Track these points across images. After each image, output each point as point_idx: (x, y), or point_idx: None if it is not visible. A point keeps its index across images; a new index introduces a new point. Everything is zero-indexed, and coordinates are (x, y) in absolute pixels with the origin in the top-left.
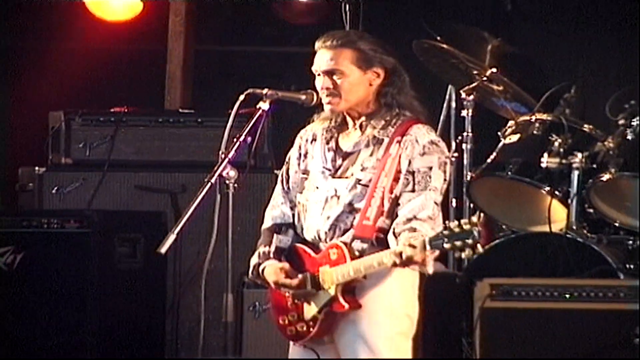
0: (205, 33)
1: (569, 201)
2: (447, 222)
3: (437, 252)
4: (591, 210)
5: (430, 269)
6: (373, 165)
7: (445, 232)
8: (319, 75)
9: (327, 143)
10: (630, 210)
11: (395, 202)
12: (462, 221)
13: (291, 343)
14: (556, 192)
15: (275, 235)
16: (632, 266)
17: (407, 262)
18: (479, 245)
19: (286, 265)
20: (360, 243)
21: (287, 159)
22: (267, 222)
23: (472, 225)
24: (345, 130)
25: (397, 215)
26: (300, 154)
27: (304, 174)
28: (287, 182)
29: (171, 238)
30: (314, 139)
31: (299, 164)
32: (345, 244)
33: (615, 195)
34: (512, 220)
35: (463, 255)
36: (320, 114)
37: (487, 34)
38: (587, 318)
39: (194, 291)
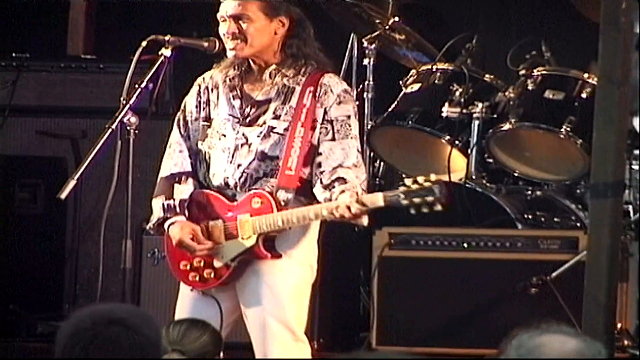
0: None
1: (469, 151)
2: (404, 179)
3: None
4: (491, 160)
5: (365, 221)
6: (287, 114)
7: (402, 189)
8: (224, 21)
9: (231, 91)
10: (529, 160)
11: (313, 152)
12: (420, 178)
13: (184, 288)
14: (456, 142)
15: (175, 185)
16: (530, 216)
17: (348, 217)
18: (439, 203)
19: (197, 228)
20: (285, 193)
21: (182, 106)
22: (165, 171)
23: (433, 182)
24: (250, 79)
25: (319, 164)
26: (199, 102)
27: (205, 121)
28: (185, 129)
29: (71, 184)
30: (214, 87)
31: (199, 112)
32: (270, 193)
33: (515, 145)
34: (412, 170)
35: (423, 210)
36: (221, 62)
37: None
38: (485, 267)
39: (94, 237)
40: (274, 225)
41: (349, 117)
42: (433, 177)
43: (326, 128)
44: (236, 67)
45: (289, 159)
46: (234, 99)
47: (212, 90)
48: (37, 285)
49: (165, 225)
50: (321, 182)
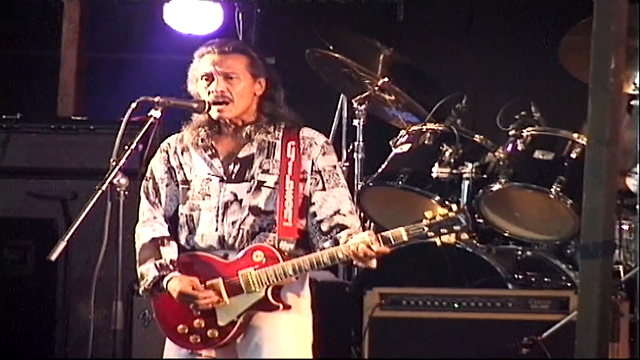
0: (99, 40)
1: None
2: (425, 212)
3: None
4: (481, 221)
5: (374, 263)
6: (274, 167)
7: (425, 222)
8: (207, 79)
9: (206, 150)
10: (519, 220)
11: (306, 203)
12: (441, 210)
13: (174, 349)
14: (446, 202)
15: (160, 247)
16: (520, 276)
17: (363, 258)
18: (465, 233)
19: (195, 280)
20: (286, 244)
21: (149, 174)
22: (145, 237)
23: (457, 212)
24: (223, 138)
25: (314, 214)
26: (169, 167)
27: (183, 184)
28: (156, 196)
29: (61, 245)
30: (184, 150)
31: (171, 177)
32: (272, 245)
33: (505, 205)
34: None
35: (449, 239)
36: (190, 123)
37: (379, 43)
38: (476, 328)
39: (84, 299)
40: (285, 275)
41: (334, 167)
42: (455, 207)
43: (315, 179)
44: (207, 127)
45: (284, 211)
46: (211, 157)
47: (181, 153)
48: (27, 346)
49: (164, 283)
50: (320, 230)
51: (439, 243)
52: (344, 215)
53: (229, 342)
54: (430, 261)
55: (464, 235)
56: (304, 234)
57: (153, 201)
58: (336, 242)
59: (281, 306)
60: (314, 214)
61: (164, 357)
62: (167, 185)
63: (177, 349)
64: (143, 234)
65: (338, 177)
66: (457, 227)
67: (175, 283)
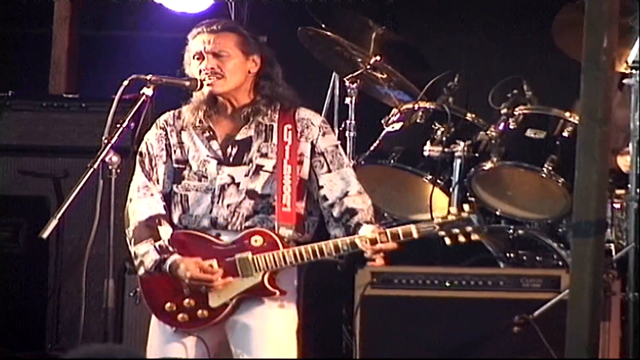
0: (90, 18)
1: (451, 189)
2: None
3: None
4: (473, 199)
5: (380, 260)
6: (272, 151)
7: (437, 221)
8: (198, 58)
9: (204, 132)
10: (511, 199)
11: (304, 186)
12: (454, 210)
13: (159, 327)
14: (438, 181)
15: (158, 227)
16: (512, 255)
17: (372, 250)
18: (476, 233)
19: (199, 259)
20: (285, 230)
21: (145, 149)
22: (142, 215)
23: (470, 212)
24: (221, 120)
25: (325, 198)
26: (167, 144)
27: (180, 164)
28: (153, 172)
29: (53, 223)
30: (183, 128)
31: (168, 154)
32: (272, 230)
33: (497, 184)
34: (394, 208)
35: (460, 240)
36: (189, 103)
37: (372, 22)
38: (467, 306)
39: (76, 277)
40: (284, 262)
41: (336, 146)
42: (467, 207)
43: (320, 161)
44: (205, 108)
45: (282, 195)
46: (209, 139)
47: (180, 131)
48: (19, 324)
49: (165, 266)
50: (332, 216)
51: (448, 242)
52: (354, 195)
53: (217, 323)
54: (422, 240)
55: (475, 236)
56: (301, 218)
57: (150, 177)
58: (347, 230)
59: (277, 292)
60: (325, 198)
61: (149, 333)
62: (164, 163)
63: (162, 326)
64: (138, 210)
65: (341, 156)
66: (469, 228)
67: (182, 268)
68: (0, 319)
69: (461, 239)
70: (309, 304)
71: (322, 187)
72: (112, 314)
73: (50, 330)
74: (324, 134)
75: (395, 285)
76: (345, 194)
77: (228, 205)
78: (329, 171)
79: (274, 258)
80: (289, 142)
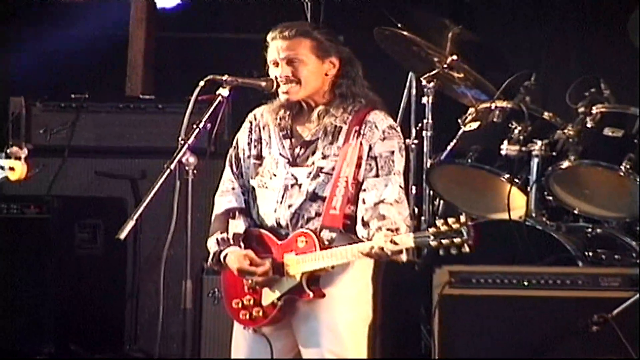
0: (167, 19)
1: (529, 188)
2: (436, 220)
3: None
4: (550, 198)
5: (404, 257)
6: (335, 153)
7: (432, 230)
8: (275, 64)
9: (282, 130)
10: (589, 197)
11: (358, 189)
12: (450, 220)
13: (237, 327)
14: (516, 180)
15: (230, 220)
16: (590, 254)
17: (384, 256)
18: (466, 245)
19: (250, 252)
20: (329, 232)
21: (234, 143)
22: (219, 208)
23: (461, 224)
24: (300, 119)
25: (363, 201)
26: (251, 139)
27: (256, 159)
28: (238, 166)
29: (130, 224)
30: (265, 125)
31: (250, 149)
32: (314, 232)
33: (575, 182)
34: (472, 208)
35: (451, 252)
36: (273, 102)
37: (448, 21)
38: (545, 305)
39: (153, 277)
40: (316, 265)
41: (392, 152)
42: (462, 218)
43: (370, 165)
44: (287, 108)
45: (333, 198)
46: (284, 138)
47: (263, 127)
48: (98, 325)
49: (221, 258)
50: (362, 219)
51: (441, 252)
52: (390, 204)
53: (270, 323)
54: (500, 239)
55: (465, 249)
56: (354, 220)
57: (234, 171)
58: (369, 234)
59: (311, 294)
60: (363, 201)
61: (234, 333)
62: (247, 157)
63: (241, 326)
64: (218, 204)
65: (393, 163)
66: (457, 240)
67: (233, 259)
68: (79, 320)
69: (452, 251)
70: (388, 303)
71: (364, 189)
72: (191, 315)
73: (128, 331)
74: (384, 139)
75: (473, 285)
76: (382, 200)
77: (289, 206)
78: (376, 176)
79: (309, 260)
80: (352, 144)
